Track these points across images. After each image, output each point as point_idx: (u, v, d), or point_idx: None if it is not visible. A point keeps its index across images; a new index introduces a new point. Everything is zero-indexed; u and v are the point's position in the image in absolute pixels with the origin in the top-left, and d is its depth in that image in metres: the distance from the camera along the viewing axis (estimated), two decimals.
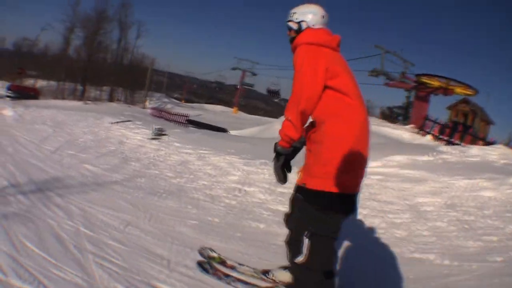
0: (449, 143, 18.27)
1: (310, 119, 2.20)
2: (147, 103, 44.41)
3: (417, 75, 24.86)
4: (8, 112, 12.62)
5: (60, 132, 10.08)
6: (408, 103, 28.95)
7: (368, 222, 4.51)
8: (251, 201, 5.23)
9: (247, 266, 2.73)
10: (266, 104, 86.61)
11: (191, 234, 3.53)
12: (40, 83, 55.32)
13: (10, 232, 2.81)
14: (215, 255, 2.92)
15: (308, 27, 2.40)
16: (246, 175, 6.62)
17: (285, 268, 2.51)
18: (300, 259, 2.14)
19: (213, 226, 3.92)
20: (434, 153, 8.52)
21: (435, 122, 20.87)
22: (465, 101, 24.24)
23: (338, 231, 2.12)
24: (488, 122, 25.23)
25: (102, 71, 55.32)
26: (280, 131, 2.19)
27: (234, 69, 50.80)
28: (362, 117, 2.15)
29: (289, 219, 2.42)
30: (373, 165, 6.73)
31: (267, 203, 5.21)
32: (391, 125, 22.53)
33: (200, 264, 2.72)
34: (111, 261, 2.63)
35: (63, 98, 47.13)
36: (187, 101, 66.93)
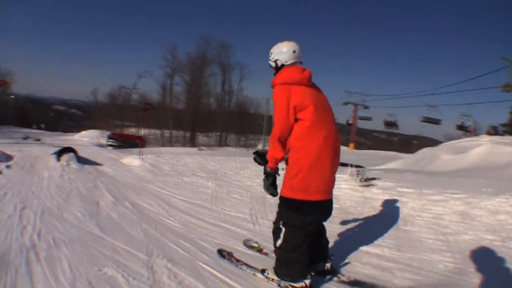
0: None
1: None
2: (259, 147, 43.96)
3: None
4: (134, 161, 11.85)
5: (228, 186, 8.34)
6: None
7: None
8: None
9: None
10: (366, 138, 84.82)
11: None
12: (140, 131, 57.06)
13: None
14: (255, 245, 4.25)
15: (282, 65, 3.18)
16: None
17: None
18: (278, 242, 3.07)
19: None
20: None
21: None
22: None
23: (306, 224, 3.02)
24: None
25: (210, 117, 56.24)
26: (268, 156, 3.07)
27: (345, 103, 49.72)
28: (321, 137, 2.93)
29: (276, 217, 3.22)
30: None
31: None
32: None
33: (219, 252, 3.93)
34: None
35: (171, 145, 49.11)
36: None
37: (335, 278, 3.34)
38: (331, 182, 3.09)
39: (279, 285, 3.12)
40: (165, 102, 61.94)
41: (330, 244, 3.77)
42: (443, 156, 12.50)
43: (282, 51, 3.21)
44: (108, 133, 42.16)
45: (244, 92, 62.53)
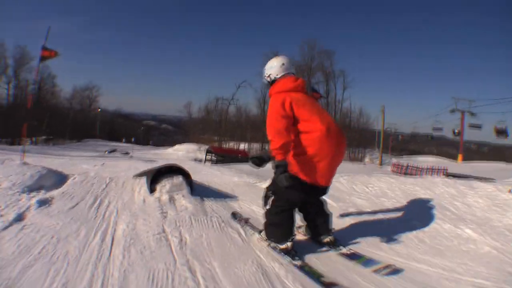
0: None
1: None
2: (367, 159, 46.14)
3: None
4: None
5: None
6: None
7: None
8: None
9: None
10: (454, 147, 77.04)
11: None
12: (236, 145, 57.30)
13: None
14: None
15: (275, 78, 3.68)
16: None
17: None
18: (267, 207, 3.60)
19: None
20: None
21: None
22: None
23: (293, 199, 3.44)
24: None
25: None
26: (273, 152, 3.20)
27: (452, 111, 45.40)
28: (324, 128, 3.22)
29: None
30: None
31: None
32: None
33: (233, 214, 4.70)
34: None
35: None
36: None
37: (334, 251, 3.55)
38: (332, 171, 3.39)
39: (268, 245, 3.52)
40: (264, 114, 59.18)
41: None
42: None
43: (272, 66, 3.72)
44: (205, 146, 40.72)
45: (346, 102, 61.81)
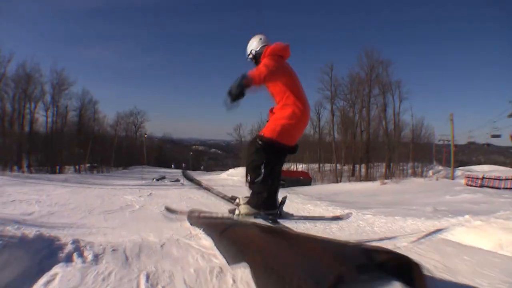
0: None
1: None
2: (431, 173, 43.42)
3: None
4: None
5: None
6: None
7: None
8: None
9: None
10: (505, 156, 78.53)
11: None
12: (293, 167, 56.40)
13: None
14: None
15: (256, 52, 4.36)
16: None
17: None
18: (250, 178, 4.25)
19: None
20: None
21: None
22: None
23: (269, 162, 4.10)
24: None
25: (381, 146, 53.53)
26: (252, 75, 3.62)
27: (510, 116, 42.76)
28: (301, 103, 4.05)
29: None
30: None
31: None
32: None
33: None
34: None
35: (338, 181, 46.82)
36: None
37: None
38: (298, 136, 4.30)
39: (254, 216, 4.24)
40: (319, 131, 62.64)
41: None
42: None
43: (252, 44, 4.40)
44: None
45: (402, 115, 58.25)
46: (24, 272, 3.00)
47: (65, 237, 4.60)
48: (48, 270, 2.70)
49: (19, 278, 2.88)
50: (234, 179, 35.63)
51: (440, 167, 50.01)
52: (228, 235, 3.78)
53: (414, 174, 47.24)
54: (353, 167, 54.22)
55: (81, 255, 3.73)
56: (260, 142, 3.99)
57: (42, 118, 56.47)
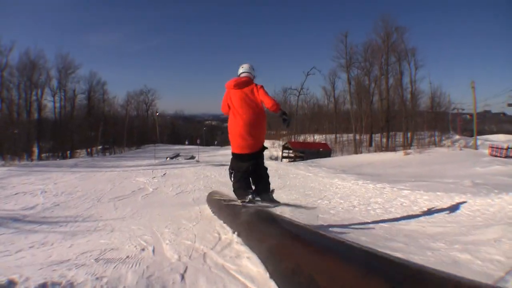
0: None
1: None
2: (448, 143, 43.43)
3: None
4: None
5: None
6: None
7: None
8: None
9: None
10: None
11: None
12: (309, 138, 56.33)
13: None
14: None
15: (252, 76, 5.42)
16: None
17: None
18: (232, 179, 5.36)
19: None
20: None
21: None
22: None
23: (238, 167, 5.16)
24: None
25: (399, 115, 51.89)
26: (280, 109, 4.77)
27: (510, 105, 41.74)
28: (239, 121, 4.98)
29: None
30: None
31: None
32: None
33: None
34: None
35: (357, 152, 45.33)
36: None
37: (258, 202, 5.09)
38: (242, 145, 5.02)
39: (239, 204, 5.13)
40: (334, 101, 60.57)
41: None
42: None
43: (246, 68, 5.46)
44: (279, 142, 35.66)
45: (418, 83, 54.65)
46: None
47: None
48: None
49: None
50: None
51: (458, 136, 48.69)
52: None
53: (434, 144, 45.60)
54: (371, 136, 52.86)
55: None
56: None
57: (50, 104, 55.92)
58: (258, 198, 5.10)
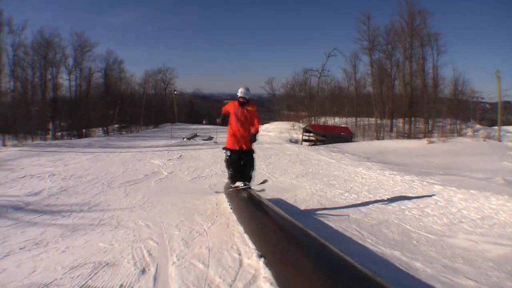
0: None
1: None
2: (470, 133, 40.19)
3: None
4: None
5: None
6: None
7: None
8: None
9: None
10: None
11: None
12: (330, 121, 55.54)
13: None
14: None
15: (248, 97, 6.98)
16: None
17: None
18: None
19: None
20: None
21: None
22: None
23: (231, 160, 6.77)
24: None
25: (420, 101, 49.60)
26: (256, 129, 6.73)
27: None
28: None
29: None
30: None
31: None
32: None
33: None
34: None
35: (379, 137, 44.49)
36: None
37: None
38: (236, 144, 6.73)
39: (229, 187, 6.70)
40: (355, 84, 57.93)
41: None
42: None
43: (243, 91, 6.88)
44: (300, 125, 35.06)
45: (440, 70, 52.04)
46: None
47: None
48: None
49: None
50: (271, 134, 34.25)
51: (479, 126, 47.17)
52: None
53: (456, 132, 44.28)
54: (391, 122, 51.62)
55: None
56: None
57: (65, 82, 55.05)
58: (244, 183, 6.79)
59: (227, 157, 6.82)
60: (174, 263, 3.27)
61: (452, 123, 46.92)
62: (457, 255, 4.07)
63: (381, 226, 5.26)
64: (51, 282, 3.02)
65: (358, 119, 54.91)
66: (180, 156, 15.77)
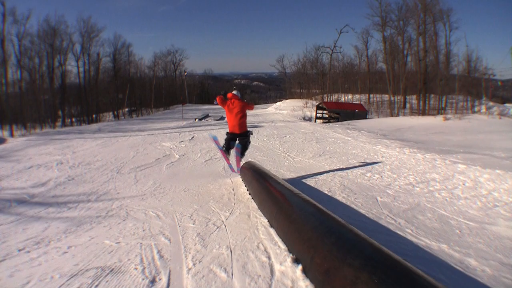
0: None
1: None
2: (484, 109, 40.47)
3: None
4: None
5: None
6: None
7: None
8: None
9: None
10: None
11: None
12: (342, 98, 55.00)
13: None
14: None
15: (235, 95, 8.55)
16: None
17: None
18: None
19: None
20: None
21: None
22: None
23: (227, 138, 8.08)
24: None
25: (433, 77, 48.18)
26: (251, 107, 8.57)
27: None
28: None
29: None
30: None
31: None
32: None
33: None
34: None
35: (393, 114, 44.57)
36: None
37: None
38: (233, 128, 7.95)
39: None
40: (367, 61, 57.22)
41: None
42: None
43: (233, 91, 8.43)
44: (313, 102, 34.62)
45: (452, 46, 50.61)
46: None
47: None
48: None
49: None
50: (283, 112, 33.59)
51: (491, 103, 46.08)
52: None
53: (469, 109, 43.37)
54: (404, 98, 50.77)
55: None
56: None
57: (74, 69, 54.67)
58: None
59: (226, 136, 8.38)
60: (189, 269, 2.83)
61: (465, 100, 46.19)
62: (508, 248, 3.65)
63: (415, 212, 4.87)
64: None
65: (371, 95, 54.31)
66: (192, 137, 15.47)
